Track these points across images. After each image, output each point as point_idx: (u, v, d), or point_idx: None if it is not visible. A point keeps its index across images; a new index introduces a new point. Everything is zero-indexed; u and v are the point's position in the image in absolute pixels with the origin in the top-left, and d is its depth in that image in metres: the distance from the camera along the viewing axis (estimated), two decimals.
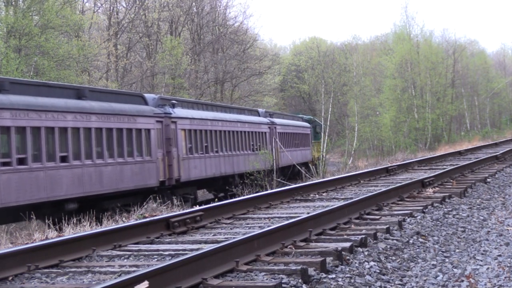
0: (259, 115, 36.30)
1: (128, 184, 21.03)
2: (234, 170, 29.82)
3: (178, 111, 24.88)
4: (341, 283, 6.63)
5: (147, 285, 5.65)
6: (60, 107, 18.32)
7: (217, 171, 27.97)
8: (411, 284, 7.21)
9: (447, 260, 8.56)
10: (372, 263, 7.51)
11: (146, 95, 24.50)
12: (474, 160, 23.30)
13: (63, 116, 18.36)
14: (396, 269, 7.68)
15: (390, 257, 8.11)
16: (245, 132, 31.78)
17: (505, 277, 7.60)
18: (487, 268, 8.09)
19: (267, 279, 6.47)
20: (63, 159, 18.31)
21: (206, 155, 26.83)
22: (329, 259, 7.23)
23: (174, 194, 22.84)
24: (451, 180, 16.78)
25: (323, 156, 42.47)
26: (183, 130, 24.96)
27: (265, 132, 35.10)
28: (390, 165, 23.39)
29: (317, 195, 14.58)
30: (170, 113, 23.94)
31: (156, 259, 7.76)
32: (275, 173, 33.30)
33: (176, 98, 27.82)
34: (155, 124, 23.00)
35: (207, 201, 22.92)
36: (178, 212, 11.21)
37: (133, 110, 21.84)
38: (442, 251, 9.03)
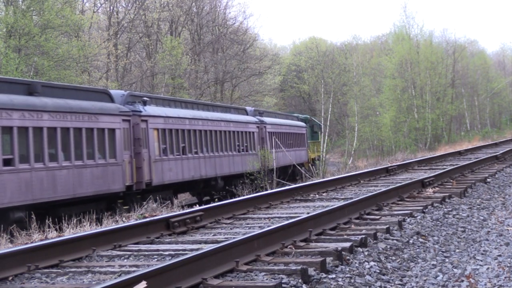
0: (247, 114, 33.99)
1: (87, 190, 18.92)
2: (216, 172, 27.63)
3: (150, 109, 22.98)
4: (341, 283, 6.63)
5: (145, 285, 5.64)
6: (3, 104, 16.33)
7: (196, 173, 25.75)
8: (411, 284, 7.21)
9: (447, 260, 8.56)
10: (372, 263, 7.51)
11: (113, 91, 22.55)
12: (474, 160, 23.31)
13: (7, 114, 16.40)
14: (396, 269, 7.68)
15: (390, 257, 8.11)
16: (229, 131, 29.57)
17: (505, 277, 7.60)
18: (487, 268, 8.09)
19: (267, 279, 6.47)
20: (7, 162, 16.29)
21: (183, 156, 24.71)
22: (329, 259, 7.23)
23: (146, 200, 20.83)
24: (451, 180, 16.78)
25: (323, 156, 42.21)
26: (155, 129, 22.96)
27: (253, 132, 32.61)
28: (390, 165, 23.40)
29: (317, 195, 14.58)
30: (140, 111, 22.04)
31: (156, 259, 7.76)
32: (274, 173, 32.37)
33: (149, 95, 25.77)
34: (121, 123, 20.93)
35: (182, 207, 21.59)
36: (178, 212, 11.22)
37: (94, 108, 19.77)
38: (442, 251, 9.03)
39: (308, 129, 47.19)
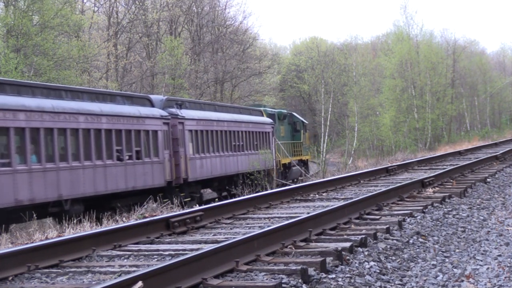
0: (151, 105, 23.60)
1: None
2: (61, 193, 17.83)
3: None
4: (341, 283, 6.63)
5: (140, 285, 5.64)
6: None
7: (12, 197, 16.11)
8: (411, 284, 7.21)
9: (447, 260, 8.56)
10: (372, 263, 7.51)
11: None
12: (474, 160, 23.31)
13: None
14: (396, 269, 7.68)
15: (390, 257, 8.11)
16: (99, 130, 19.81)
17: (505, 277, 7.60)
18: (487, 268, 8.09)
19: (267, 279, 6.47)
20: None
21: None
22: (329, 259, 7.23)
23: None
24: (451, 180, 16.78)
25: (323, 156, 41.66)
26: None
27: (156, 131, 22.75)
28: (390, 165, 23.39)
29: (317, 195, 14.58)
30: None
31: (156, 259, 7.76)
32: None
33: None
34: None
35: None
36: (178, 212, 11.22)
37: None
38: (442, 251, 9.03)
39: (286, 126, 39.27)
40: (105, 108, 20.56)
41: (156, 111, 23.32)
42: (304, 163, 40.80)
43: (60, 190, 17.92)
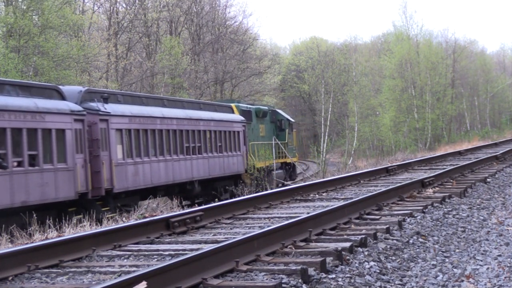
0: (61, 98, 18.81)
1: None
2: None
3: None
4: (341, 283, 6.63)
5: (145, 286, 5.64)
6: None
7: None
8: (411, 284, 7.21)
9: (447, 260, 8.56)
10: (372, 263, 7.51)
11: None
12: (474, 160, 23.30)
13: None
14: (396, 269, 7.68)
15: (390, 257, 8.10)
16: None
17: (505, 277, 7.59)
18: (487, 268, 8.08)
19: (267, 279, 6.47)
20: None
21: None
22: (329, 259, 7.23)
23: None
24: (451, 180, 16.77)
25: (322, 156, 41.37)
26: None
27: (63, 130, 18.01)
28: (390, 165, 23.38)
29: (317, 195, 14.58)
30: None
31: (156, 259, 7.76)
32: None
33: None
34: None
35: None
36: (178, 212, 11.22)
37: None
38: (442, 251, 9.03)
39: (268, 125, 34.94)
40: None
41: (64, 105, 18.42)
42: (289, 167, 36.81)
43: None
